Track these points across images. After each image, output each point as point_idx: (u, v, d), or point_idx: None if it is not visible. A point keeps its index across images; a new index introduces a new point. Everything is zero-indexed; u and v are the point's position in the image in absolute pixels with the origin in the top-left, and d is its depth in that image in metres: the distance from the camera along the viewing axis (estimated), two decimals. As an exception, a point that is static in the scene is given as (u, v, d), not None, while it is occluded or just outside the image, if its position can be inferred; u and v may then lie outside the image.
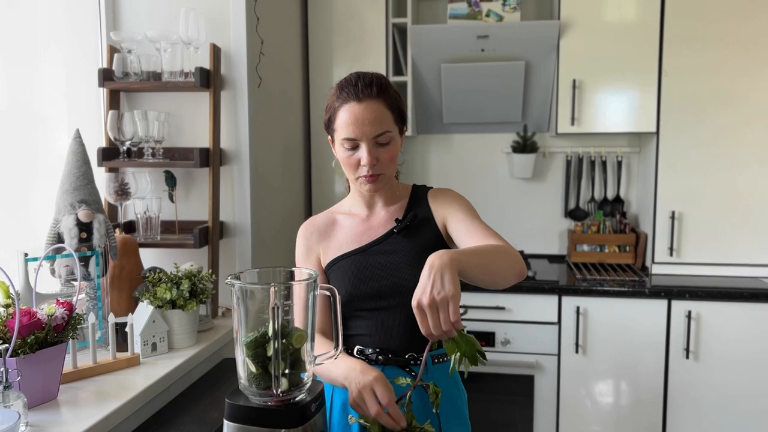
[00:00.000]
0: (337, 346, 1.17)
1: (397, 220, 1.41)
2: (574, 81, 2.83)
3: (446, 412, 1.39)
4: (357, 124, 1.32)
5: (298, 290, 1.09)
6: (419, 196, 1.48)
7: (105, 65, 2.18)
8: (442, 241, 1.43)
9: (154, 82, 2.11)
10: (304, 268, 1.15)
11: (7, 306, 1.38)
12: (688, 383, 2.61)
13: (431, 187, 1.51)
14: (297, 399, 1.07)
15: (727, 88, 2.70)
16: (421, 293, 1.06)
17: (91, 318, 1.54)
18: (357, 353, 1.40)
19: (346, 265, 1.41)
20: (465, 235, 1.36)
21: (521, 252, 3.25)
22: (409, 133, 2.77)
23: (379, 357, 1.38)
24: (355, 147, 1.35)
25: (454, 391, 1.44)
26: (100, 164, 2.08)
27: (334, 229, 1.47)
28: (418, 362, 1.39)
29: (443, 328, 1.05)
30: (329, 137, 1.44)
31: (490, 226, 1.37)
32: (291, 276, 1.16)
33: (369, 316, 1.40)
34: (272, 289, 1.04)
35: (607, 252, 3.07)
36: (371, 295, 1.37)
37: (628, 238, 3.04)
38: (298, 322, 1.09)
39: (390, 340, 1.39)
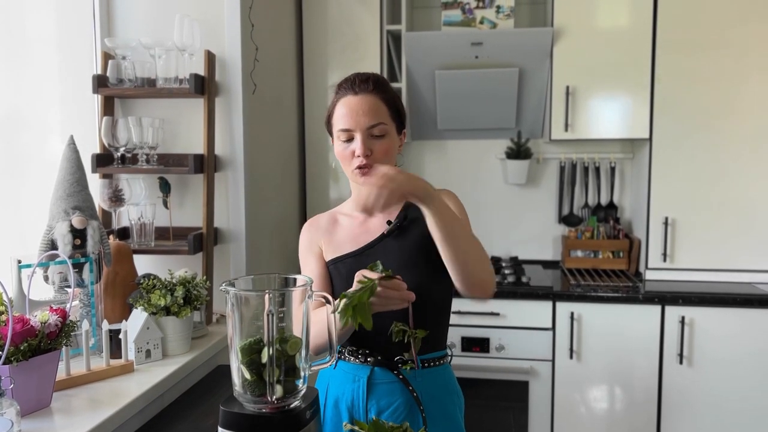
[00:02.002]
0: (331, 353, 1.17)
1: (389, 222, 1.42)
2: (567, 87, 2.85)
3: (435, 417, 1.40)
4: (351, 115, 1.36)
5: (293, 297, 1.09)
6: None
7: (99, 71, 2.17)
8: (431, 238, 1.42)
9: (148, 88, 2.11)
10: (299, 275, 1.15)
11: (0, 313, 1.37)
12: (681, 388, 2.62)
13: None
14: (292, 406, 1.07)
15: (719, 94, 2.72)
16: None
17: (85, 325, 1.54)
18: (349, 353, 1.43)
19: (342, 267, 1.42)
20: None
21: (515, 257, 3.26)
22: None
23: (369, 358, 1.40)
24: (350, 139, 1.37)
25: (445, 396, 1.44)
26: (94, 170, 2.08)
27: (335, 228, 1.49)
28: (407, 365, 1.39)
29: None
30: (331, 138, 1.45)
31: (474, 235, 1.38)
32: (285, 282, 1.16)
33: None
34: (266, 296, 1.04)
35: (601, 258, 3.08)
36: None
37: (621, 244, 3.05)
38: (292, 328, 1.09)
39: (380, 343, 1.39)
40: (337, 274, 1.43)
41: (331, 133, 1.44)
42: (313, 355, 1.30)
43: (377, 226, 1.45)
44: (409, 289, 1.18)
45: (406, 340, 1.15)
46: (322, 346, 1.31)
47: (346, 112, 1.36)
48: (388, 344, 1.38)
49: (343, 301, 1.10)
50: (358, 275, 1.17)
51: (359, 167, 1.36)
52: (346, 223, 1.49)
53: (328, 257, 1.46)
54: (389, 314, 1.36)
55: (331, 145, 3.17)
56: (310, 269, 1.46)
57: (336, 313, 1.11)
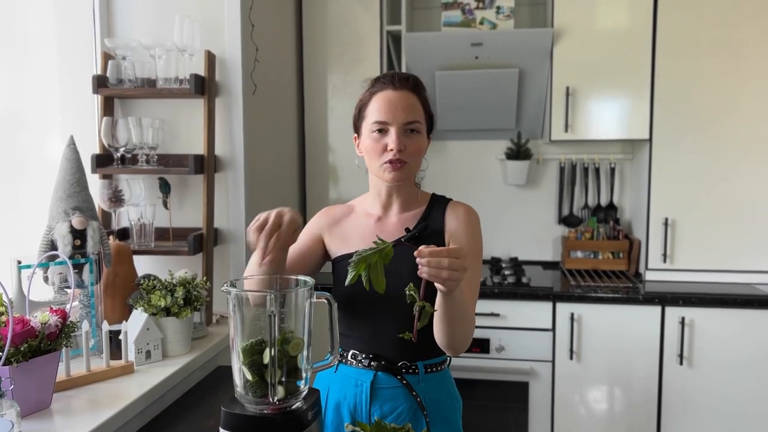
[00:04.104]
0: (333, 353, 1.17)
1: (407, 229, 1.40)
2: (567, 88, 2.85)
3: (437, 422, 1.40)
4: (390, 109, 1.34)
5: (295, 298, 1.08)
6: (437, 206, 1.46)
7: (99, 72, 2.17)
8: None
9: (148, 88, 2.11)
10: (301, 276, 1.15)
11: (0, 314, 1.37)
12: (681, 389, 2.62)
13: (451, 199, 1.49)
14: (293, 407, 1.06)
15: (719, 95, 2.73)
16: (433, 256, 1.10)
17: (85, 326, 1.53)
18: (351, 357, 1.41)
19: (347, 265, 1.40)
20: None
21: (515, 258, 3.26)
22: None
23: (372, 363, 1.39)
24: (384, 132, 1.35)
25: (446, 401, 1.44)
26: (93, 171, 2.08)
27: (348, 221, 1.47)
28: (410, 370, 1.39)
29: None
30: (354, 135, 1.43)
31: (477, 284, 1.39)
32: (287, 283, 1.16)
33: (365, 320, 1.40)
34: (268, 297, 1.04)
35: (601, 258, 3.08)
36: (367, 298, 1.36)
37: (621, 245, 3.05)
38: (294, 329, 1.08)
39: (383, 348, 1.39)
40: (342, 270, 1.40)
41: (357, 129, 1.42)
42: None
43: (392, 230, 1.43)
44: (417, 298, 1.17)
45: (415, 312, 1.13)
46: None
47: (384, 105, 1.35)
48: (392, 349, 1.38)
49: (356, 256, 1.08)
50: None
51: (390, 161, 1.34)
52: (360, 219, 1.47)
53: (335, 252, 1.44)
54: (391, 320, 1.36)
55: (331, 146, 3.16)
56: (297, 244, 1.41)
57: (350, 276, 1.10)
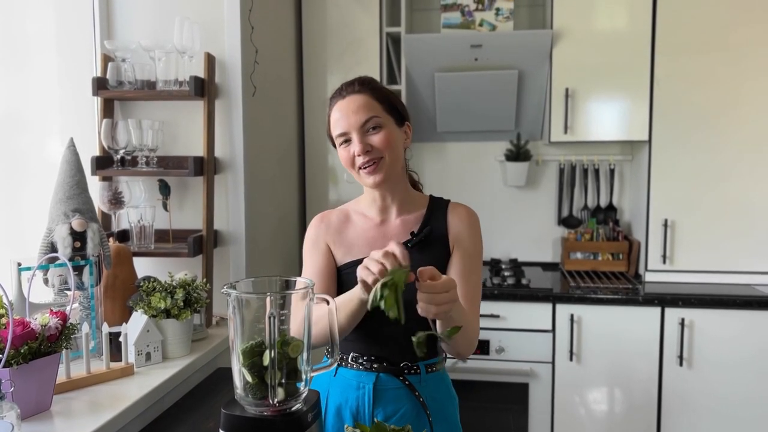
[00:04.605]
0: (333, 355, 1.17)
1: (412, 233, 1.40)
2: (566, 89, 2.85)
3: (439, 420, 1.40)
4: (343, 117, 1.36)
5: (294, 299, 1.09)
6: (437, 208, 1.46)
7: (99, 74, 2.17)
8: (448, 257, 1.42)
9: (148, 90, 2.11)
10: (300, 278, 1.15)
11: (0, 316, 1.37)
12: (681, 390, 2.62)
13: (449, 201, 1.49)
14: (293, 409, 1.07)
15: (718, 96, 2.73)
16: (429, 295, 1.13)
17: (85, 327, 1.53)
18: (352, 360, 1.41)
19: (355, 272, 1.40)
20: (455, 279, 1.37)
21: (514, 259, 3.26)
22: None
23: (374, 365, 1.39)
24: (348, 141, 1.37)
25: (446, 400, 1.45)
26: (93, 173, 2.08)
27: (347, 226, 1.46)
28: (413, 371, 1.39)
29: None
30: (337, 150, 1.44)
31: (479, 286, 1.44)
32: (286, 285, 1.16)
33: (367, 323, 1.39)
34: (268, 299, 1.04)
35: (601, 260, 3.08)
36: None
37: (621, 246, 3.05)
38: (294, 331, 1.09)
39: (386, 350, 1.39)
40: (348, 278, 1.41)
41: (335, 146, 1.43)
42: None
43: (395, 233, 1.42)
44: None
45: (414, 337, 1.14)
46: (321, 342, 1.31)
47: (339, 116, 1.37)
48: (394, 350, 1.38)
49: (379, 284, 1.09)
50: (372, 256, 1.15)
51: (363, 167, 1.35)
52: (359, 223, 1.46)
53: (341, 260, 1.43)
54: (396, 324, 1.36)
55: (331, 147, 3.17)
56: (312, 264, 1.44)
57: (372, 295, 1.10)
